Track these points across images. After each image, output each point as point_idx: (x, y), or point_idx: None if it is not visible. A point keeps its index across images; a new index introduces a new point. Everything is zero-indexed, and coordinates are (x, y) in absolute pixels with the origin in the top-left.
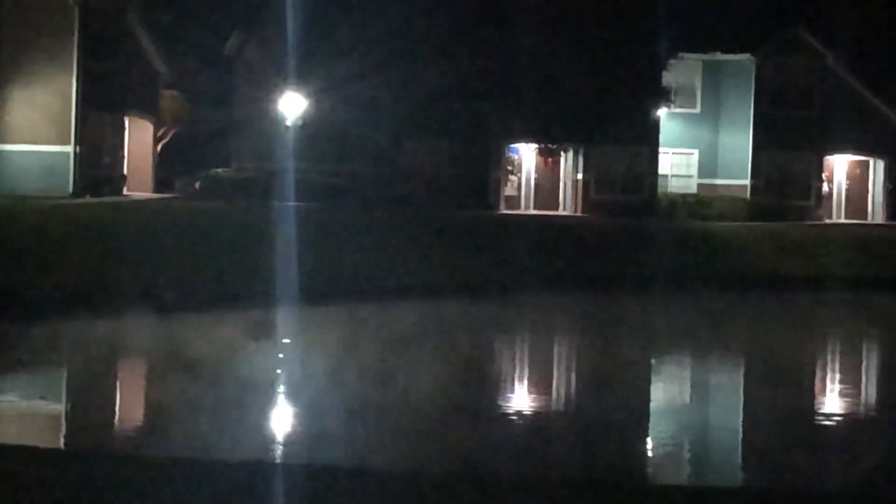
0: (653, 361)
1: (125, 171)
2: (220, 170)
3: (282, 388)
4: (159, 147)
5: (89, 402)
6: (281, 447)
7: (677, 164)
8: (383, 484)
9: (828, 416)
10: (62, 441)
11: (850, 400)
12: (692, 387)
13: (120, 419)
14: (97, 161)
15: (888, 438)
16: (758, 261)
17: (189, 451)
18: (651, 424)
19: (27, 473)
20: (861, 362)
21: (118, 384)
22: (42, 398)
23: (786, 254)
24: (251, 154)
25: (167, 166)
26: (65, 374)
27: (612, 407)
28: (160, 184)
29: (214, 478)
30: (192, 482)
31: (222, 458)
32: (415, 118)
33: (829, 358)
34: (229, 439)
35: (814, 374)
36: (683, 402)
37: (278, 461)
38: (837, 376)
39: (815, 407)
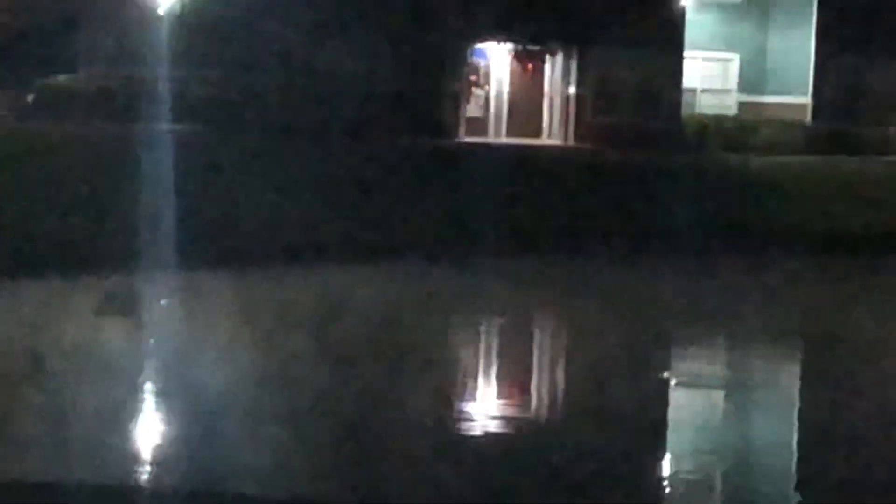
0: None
1: None
2: (62, 77)
3: (153, 383)
4: None
5: None
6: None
7: (710, 74)
8: None
9: None
10: None
11: None
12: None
13: None
14: None
15: None
16: (826, 211)
17: None
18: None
19: None
20: None
21: None
22: None
23: (866, 202)
24: (106, 56)
25: None
26: None
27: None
28: None
29: None
30: None
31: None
32: (341, 7)
33: None
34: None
35: None
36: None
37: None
38: None
39: None
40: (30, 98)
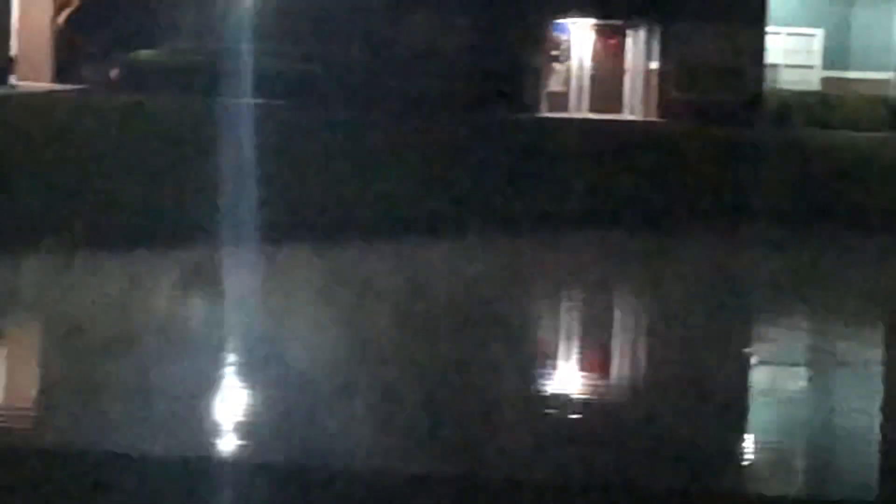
0: None
1: (12, 52)
2: (146, 52)
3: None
4: (62, 18)
5: None
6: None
7: (793, 49)
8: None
9: None
10: None
11: None
12: None
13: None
14: None
15: None
16: None
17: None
18: None
19: None
20: None
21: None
22: None
23: None
24: (191, 29)
25: (73, 46)
26: None
27: None
28: (63, 71)
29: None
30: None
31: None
32: None
33: None
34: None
35: None
36: None
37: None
38: None
39: None
40: (114, 72)
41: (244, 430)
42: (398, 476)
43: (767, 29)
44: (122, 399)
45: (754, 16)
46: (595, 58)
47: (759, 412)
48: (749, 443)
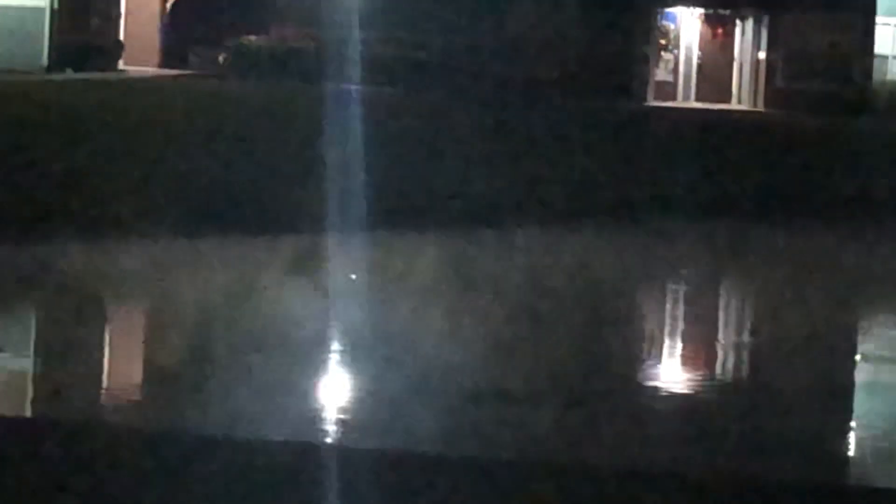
0: None
1: (121, 37)
2: (253, 38)
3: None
4: (169, 4)
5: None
6: None
7: None
8: None
9: None
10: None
11: None
12: None
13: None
14: (82, 22)
15: None
16: None
17: None
18: None
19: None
20: None
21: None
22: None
23: None
24: (298, 16)
25: (180, 31)
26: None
27: None
28: (170, 56)
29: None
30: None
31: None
32: None
33: None
34: None
35: None
36: None
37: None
38: None
39: None
40: (222, 58)
41: (354, 418)
42: (523, 466)
43: (876, 19)
44: (230, 384)
45: (863, 6)
46: (704, 47)
47: (869, 405)
48: (860, 436)
